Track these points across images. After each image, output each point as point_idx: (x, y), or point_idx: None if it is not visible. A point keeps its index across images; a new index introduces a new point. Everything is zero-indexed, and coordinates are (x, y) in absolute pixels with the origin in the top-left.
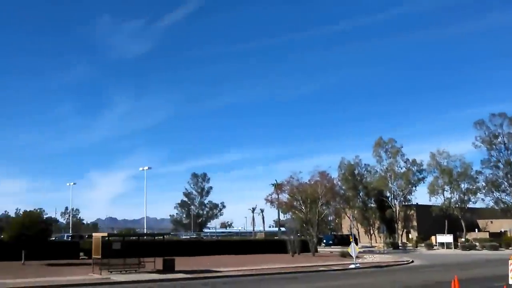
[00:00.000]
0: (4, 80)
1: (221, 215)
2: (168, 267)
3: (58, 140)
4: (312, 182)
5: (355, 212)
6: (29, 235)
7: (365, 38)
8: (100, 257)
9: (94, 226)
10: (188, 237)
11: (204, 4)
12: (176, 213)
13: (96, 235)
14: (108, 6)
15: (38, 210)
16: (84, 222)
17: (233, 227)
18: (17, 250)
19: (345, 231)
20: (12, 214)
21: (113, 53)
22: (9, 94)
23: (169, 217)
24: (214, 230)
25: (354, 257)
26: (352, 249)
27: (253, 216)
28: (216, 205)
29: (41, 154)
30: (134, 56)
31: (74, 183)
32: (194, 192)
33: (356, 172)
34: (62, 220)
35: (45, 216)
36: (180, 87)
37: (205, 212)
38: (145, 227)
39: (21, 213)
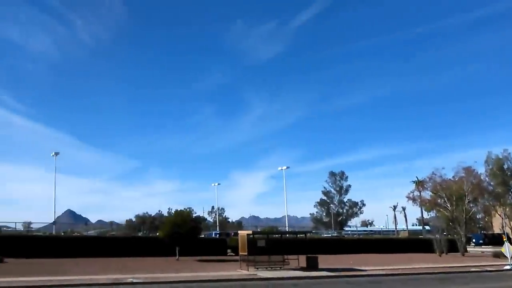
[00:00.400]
0: (153, 92)
1: (361, 213)
2: (312, 265)
3: (201, 144)
4: (457, 179)
5: (507, 209)
6: (181, 232)
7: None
8: (246, 254)
9: (239, 224)
10: (329, 235)
11: (332, 2)
12: (316, 212)
13: (242, 233)
14: (240, 11)
15: (188, 209)
16: (230, 220)
17: (374, 225)
18: (172, 247)
19: (497, 230)
20: (165, 213)
21: (247, 57)
22: (157, 103)
23: (309, 216)
24: (355, 229)
25: (509, 257)
26: (507, 248)
27: (395, 214)
28: (355, 203)
29: (188, 157)
30: (267, 58)
31: (218, 184)
32: (333, 191)
33: (505, 166)
34: (209, 218)
35: (194, 215)
36: (313, 87)
37: (344, 211)
38: (286, 226)
39: (173, 212)
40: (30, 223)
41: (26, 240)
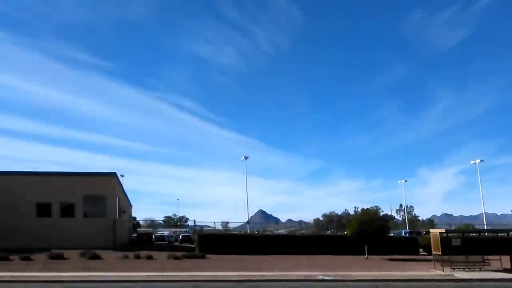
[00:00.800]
0: (333, 90)
1: None
2: None
3: (385, 141)
4: None
5: None
6: (368, 231)
7: None
8: (440, 253)
9: (430, 223)
10: None
11: None
12: None
13: (434, 231)
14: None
15: (374, 208)
16: (420, 218)
17: None
18: (360, 245)
19: None
20: (351, 212)
21: (429, 47)
22: (337, 101)
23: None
24: None
25: None
26: None
27: None
28: None
29: (372, 155)
30: (449, 47)
31: (405, 181)
32: None
33: None
34: (397, 217)
35: (381, 214)
36: (504, 72)
37: None
38: (484, 223)
39: (359, 211)
40: (227, 222)
41: (224, 238)
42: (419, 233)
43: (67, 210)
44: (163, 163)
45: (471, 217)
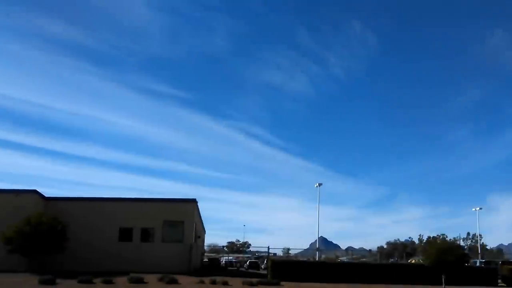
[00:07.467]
0: (405, 114)
1: None
2: None
3: (455, 166)
4: None
5: None
6: (448, 260)
7: None
8: None
9: (499, 252)
10: None
11: None
12: None
13: None
14: (500, 20)
15: (441, 236)
16: (488, 247)
17: None
18: (436, 275)
19: None
20: (416, 240)
21: (507, 68)
22: (409, 126)
23: None
24: None
25: None
26: None
27: None
28: None
29: (441, 181)
30: None
31: (480, 208)
32: None
33: None
34: (462, 244)
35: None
36: None
37: None
38: None
39: (424, 238)
40: (288, 249)
41: (297, 265)
42: (496, 263)
43: (147, 235)
44: (230, 189)
45: None
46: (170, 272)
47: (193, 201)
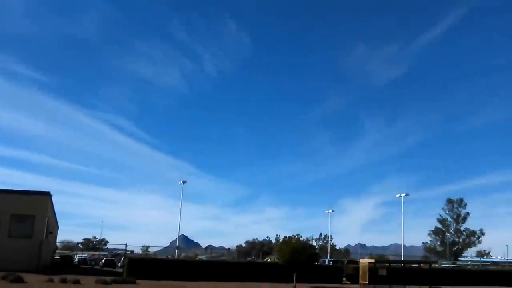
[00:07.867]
0: (271, 123)
1: (479, 243)
2: None
3: (314, 170)
4: None
5: None
6: (300, 259)
7: None
8: (367, 282)
9: (346, 252)
10: (448, 265)
11: (461, 19)
12: (430, 240)
13: (363, 261)
14: (363, 34)
15: (296, 236)
16: (337, 247)
17: (490, 256)
18: (288, 273)
19: None
20: (273, 239)
21: (367, 81)
22: (275, 133)
23: (421, 245)
24: (471, 259)
25: None
26: None
27: None
28: (473, 232)
29: (300, 184)
30: (387, 82)
31: (332, 211)
32: (449, 219)
33: None
34: (314, 244)
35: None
36: (430, 112)
37: (461, 240)
38: (402, 254)
39: (281, 238)
40: (148, 246)
41: (155, 263)
42: (342, 263)
43: None
44: (90, 184)
45: (383, 247)
46: (16, 270)
47: (47, 194)
